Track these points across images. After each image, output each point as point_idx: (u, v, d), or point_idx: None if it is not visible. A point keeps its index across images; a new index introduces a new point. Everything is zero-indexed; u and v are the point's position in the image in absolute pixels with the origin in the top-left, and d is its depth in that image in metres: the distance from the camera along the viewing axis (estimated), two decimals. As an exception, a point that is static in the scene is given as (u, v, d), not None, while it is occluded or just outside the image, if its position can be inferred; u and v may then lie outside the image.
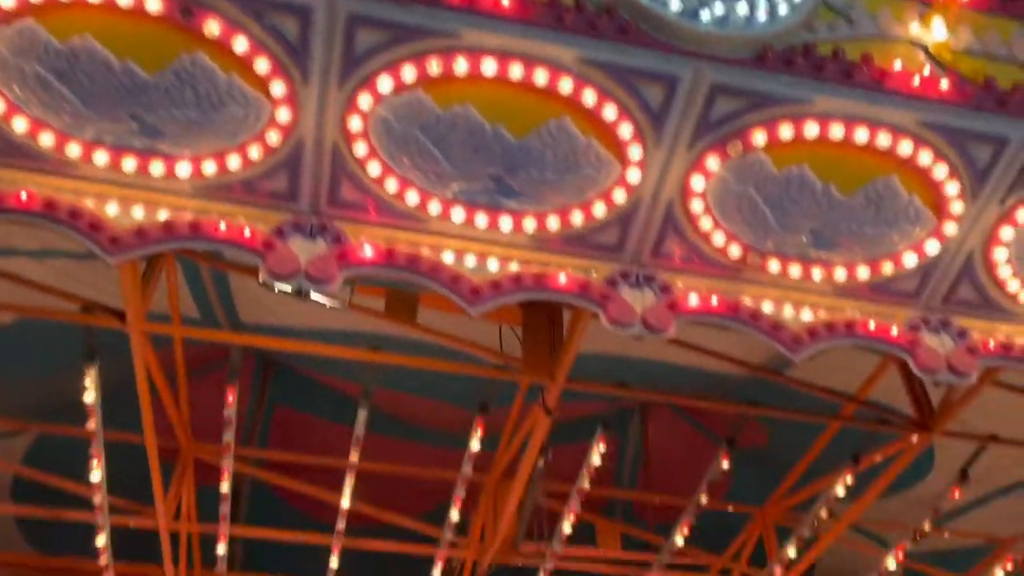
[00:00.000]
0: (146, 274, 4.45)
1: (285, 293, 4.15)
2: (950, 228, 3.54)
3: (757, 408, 5.83)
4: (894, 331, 3.74)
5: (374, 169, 3.33)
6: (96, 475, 5.41)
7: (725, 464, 5.62)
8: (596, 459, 5.39)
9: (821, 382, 5.82)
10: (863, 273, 3.66)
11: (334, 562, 6.42)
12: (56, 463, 6.39)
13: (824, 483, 6.01)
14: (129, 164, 3.24)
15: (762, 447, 7.42)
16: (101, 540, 6.00)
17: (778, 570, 6.37)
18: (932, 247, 3.59)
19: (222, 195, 3.34)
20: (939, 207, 3.49)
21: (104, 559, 6.18)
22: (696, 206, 3.48)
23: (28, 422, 6.80)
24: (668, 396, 6.58)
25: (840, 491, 5.59)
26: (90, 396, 4.85)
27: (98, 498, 5.62)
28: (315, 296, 4.41)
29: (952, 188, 3.44)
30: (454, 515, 5.97)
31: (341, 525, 6.06)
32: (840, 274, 3.66)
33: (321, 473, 6.87)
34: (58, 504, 6.47)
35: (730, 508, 7.30)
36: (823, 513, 5.76)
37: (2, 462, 6.81)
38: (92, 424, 5.02)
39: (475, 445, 5.41)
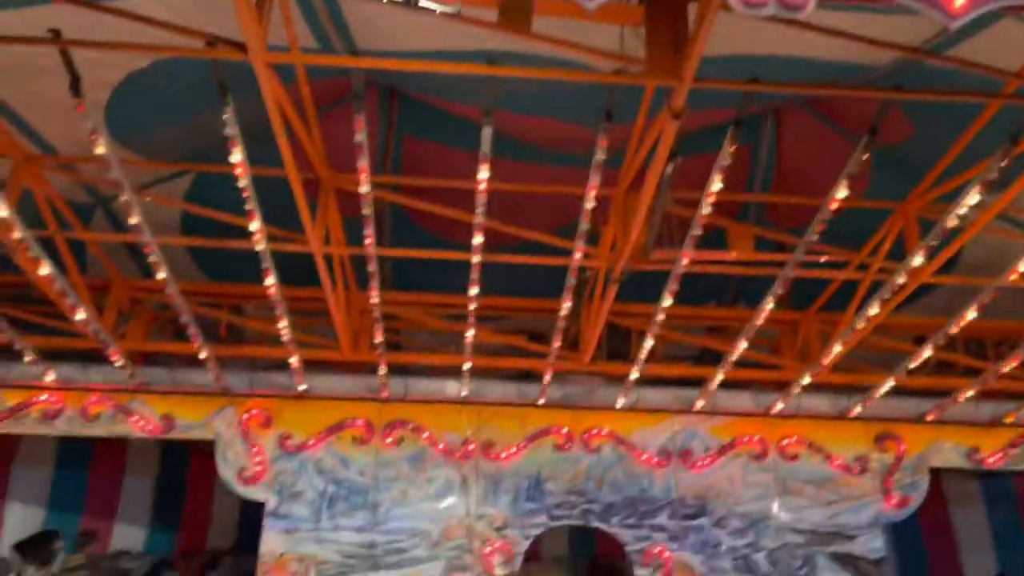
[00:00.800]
0: (259, 3, 4.42)
1: (395, 3, 4.02)
2: None
3: (903, 93, 5.41)
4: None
5: None
6: (250, 204, 5.80)
7: (866, 156, 5.33)
8: (727, 159, 5.24)
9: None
10: (1042, -87, 3.14)
11: (474, 275, 6.80)
12: (215, 198, 6.91)
13: (973, 173, 5.68)
14: None
15: (905, 142, 7.04)
16: (264, 265, 6.58)
17: (919, 261, 6.25)
18: None
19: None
20: None
21: (270, 281, 6.82)
22: None
23: (184, 163, 7.31)
24: (804, 88, 6.21)
25: (992, 176, 5.24)
26: (230, 130, 5.07)
27: (254, 226, 6.09)
28: (424, 2, 4.26)
29: None
30: (583, 225, 6.09)
31: (478, 240, 6.33)
32: (1012, -83, 3.15)
33: (453, 197, 7.11)
34: (223, 235, 7.08)
35: (869, 205, 7.11)
36: (971, 200, 5.46)
37: (169, 200, 7.43)
38: (236, 157, 5.30)
39: (601, 155, 5.36)
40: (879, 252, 7.06)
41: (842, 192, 5.56)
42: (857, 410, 8.90)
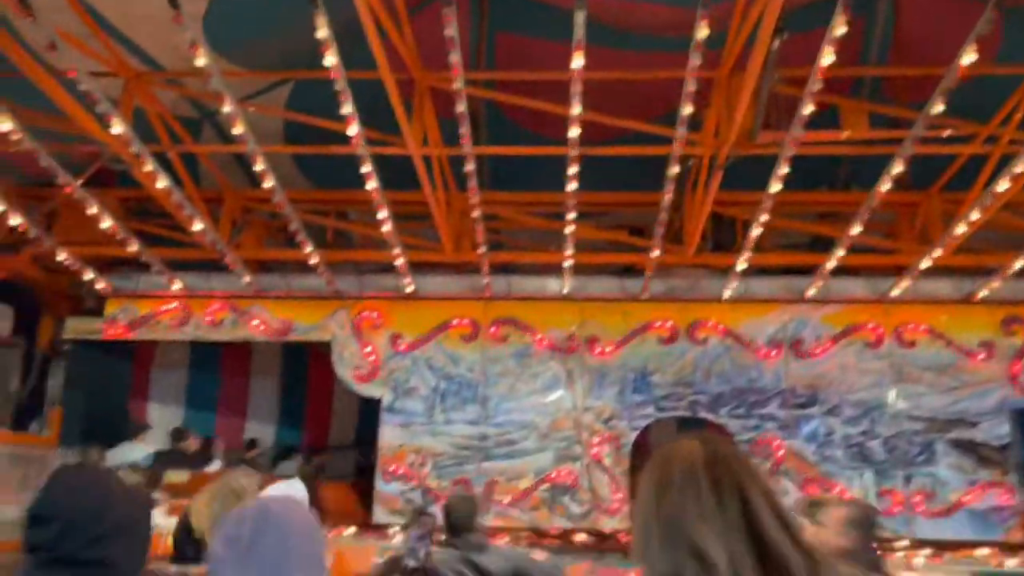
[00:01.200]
0: None
1: None
2: None
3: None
4: None
5: None
6: (347, 108, 5.83)
7: (996, 15, 4.84)
8: (840, 29, 4.87)
9: None
10: None
11: (572, 170, 6.68)
12: (314, 106, 6.98)
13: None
14: None
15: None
16: (365, 169, 6.66)
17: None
18: None
19: None
20: None
21: (371, 185, 6.91)
22: None
23: (282, 71, 7.37)
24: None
25: None
26: (322, 33, 5.06)
27: (352, 130, 6.14)
28: None
29: None
30: (686, 110, 5.84)
31: (574, 133, 6.19)
32: None
33: (548, 92, 6.94)
34: (324, 142, 7.19)
35: (1000, 72, 6.53)
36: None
37: (271, 109, 7.57)
38: (330, 60, 5.30)
39: (702, 32, 5.07)
40: (1010, 122, 6.52)
41: (969, 57, 5.11)
42: (983, 293, 8.46)
